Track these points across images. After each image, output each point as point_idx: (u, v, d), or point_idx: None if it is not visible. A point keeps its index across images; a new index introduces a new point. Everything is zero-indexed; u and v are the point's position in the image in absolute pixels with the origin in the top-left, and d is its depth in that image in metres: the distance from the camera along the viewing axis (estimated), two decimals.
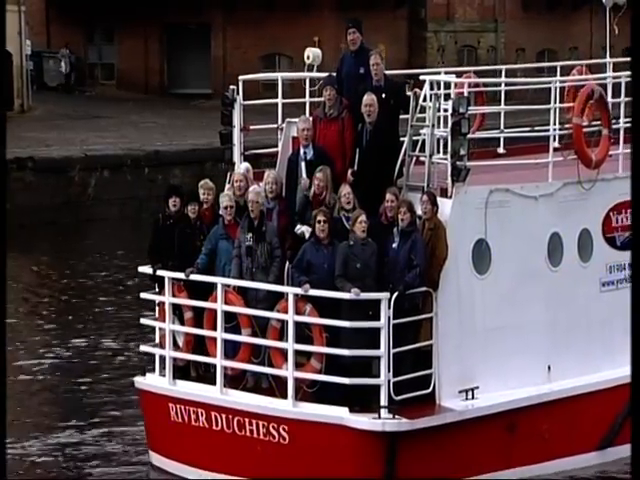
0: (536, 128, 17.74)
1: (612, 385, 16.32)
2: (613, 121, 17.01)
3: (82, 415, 19.01)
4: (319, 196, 15.43)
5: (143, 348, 16.54)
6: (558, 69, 18.49)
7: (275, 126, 16.89)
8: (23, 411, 19.93)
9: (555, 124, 16.87)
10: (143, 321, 16.62)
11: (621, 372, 16.27)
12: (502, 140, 17.76)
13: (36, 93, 49.01)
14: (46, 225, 32.73)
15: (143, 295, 16.42)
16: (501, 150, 17.77)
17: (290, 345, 14.76)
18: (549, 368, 15.91)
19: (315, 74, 17.27)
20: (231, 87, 16.94)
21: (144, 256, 31.13)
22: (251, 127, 16.85)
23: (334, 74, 16.48)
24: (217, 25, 53.47)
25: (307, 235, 15.31)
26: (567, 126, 16.48)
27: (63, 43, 55.56)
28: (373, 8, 51.08)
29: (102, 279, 28.99)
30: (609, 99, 17.16)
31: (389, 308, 14.32)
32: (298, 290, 14.71)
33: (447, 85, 15.64)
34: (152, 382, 16.11)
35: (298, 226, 15.49)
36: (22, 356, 22.92)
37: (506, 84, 17.73)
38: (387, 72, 16.22)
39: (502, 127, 17.75)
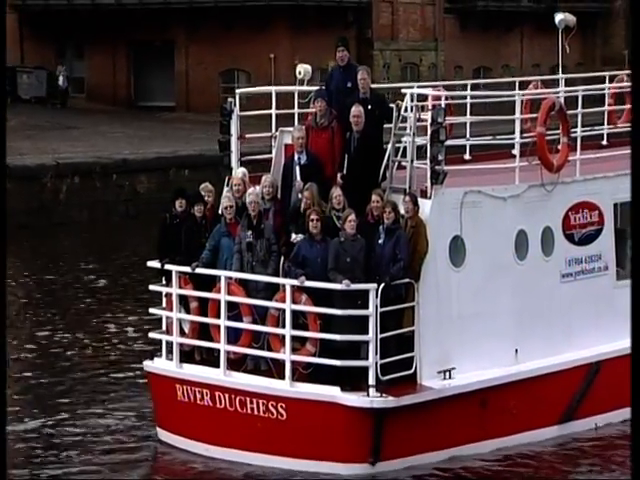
0: (499, 137, 17.66)
1: (571, 366, 16.39)
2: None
3: (95, 399, 18.78)
4: (307, 209, 15.35)
5: (152, 335, 16.35)
6: (517, 84, 18.55)
7: (269, 135, 16.77)
8: (36, 393, 19.63)
9: (518, 133, 16.76)
10: (152, 310, 16.45)
11: (579, 354, 16.60)
12: (468, 147, 17.69)
13: (10, 106, 47.48)
14: (21, 228, 32.25)
15: (152, 287, 16.28)
16: (467, 157, 17.73)
17: (287, 331, 14.70)
18: (516, 351, 15.91)
19: (305, 87, 17.15)
20: (229, 99, 16.86)
21: (112, 254, 30.88)
22: (247, 135, 16.75)
23: (324, 87, 16.41)
24: (180, 43, 53.06)
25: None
26: (531, 134, 16.42)
27: (36, 59, 54.84)
28: (324, 29, 51.02)
29: (73, 277, 28.57)
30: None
31: (376, 298, 14.33)
32: (294, 282, 14.67)
33: (424, 98, 15.58)
34: (160, 365, 16.02)
35: (293, 235, 15.34)
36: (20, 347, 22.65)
37: (474, 97, 17.73)
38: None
39: (468, 135, 17.62)
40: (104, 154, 37.99)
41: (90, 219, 35.15)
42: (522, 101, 17.41)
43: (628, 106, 19.84)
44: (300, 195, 15.55)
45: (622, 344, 16.72)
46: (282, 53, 50.84)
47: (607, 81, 19.77)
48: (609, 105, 19.59)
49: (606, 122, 19.54)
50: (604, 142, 19.26)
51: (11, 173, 33.56)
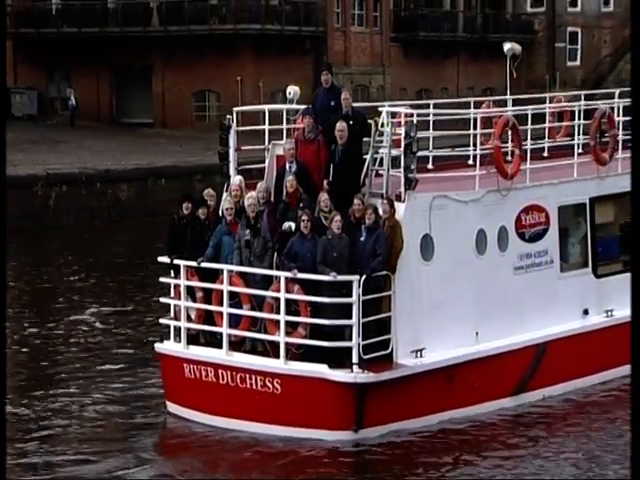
0: (457, 149, 17.85)
1: (523, 346, 16.49)
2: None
3: (106, 374, 18.72)
4: (293, 194, 15.46)
5: (162, 320, 16.26)
6: (472, 104, 18.35)
7: (263, 147, 16.80)
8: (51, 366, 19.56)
9: (477, 146, 16.94)
10: (162, 300, 16.36)
11: (529, 336, 16.66)
12: (431, 158, 17.62)
13: (7, 123, 47.88)
14: (14, 232, 31.86)
15: (162, 279, 16.19)
16: (430, 166, 17.69)
17: (282, 317, 14.72)
18: (477, 333, 16.02)
19: (294, 106, 17.28)
20: (227, 117, 16.81)
21: (96, 254, 29.99)
22: (243, 148, 16.75)
23: (310, 106, 16.40)
24: (157, 67, 52.48)
25: (293, 228, 15.23)
26: (488, 147, 16.51)
27: (28, 81, 54.10)
28: (285, 55, 51.03)
29: (61, 274, 28.30)
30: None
31: (359, 288, 14.40)
32: (288, 274, 14.70)
33: (396, 115, 15.70)
34: (169, 347, 16.01)
35: (286, 224, 15.38)
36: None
37: (438, 115, 17.76)
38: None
39: (431, 147, 17.64)
40: (89, 165, 37.41)
41: (76, 223, 34.58)
42: (478, 118, 17.51)
43: (565, 123, 20.10)
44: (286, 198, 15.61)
45: (565, 327, 17.31)
46: (248, 76, 50.55)
47: (548, 101, 19.78)
48: (549, 122, 19.62)
49: (547, 136, 19.51)
50: (545, 154, 19.24)
51: (6, 183, 33.68)
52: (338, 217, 14.81)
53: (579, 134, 18.39)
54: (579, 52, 62.35)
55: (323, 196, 15.21)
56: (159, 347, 16.28)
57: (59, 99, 55.45)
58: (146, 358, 18.86)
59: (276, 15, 51.02)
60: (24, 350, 20.71)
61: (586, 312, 17.73)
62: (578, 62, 61.75)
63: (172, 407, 16.03)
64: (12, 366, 19.15)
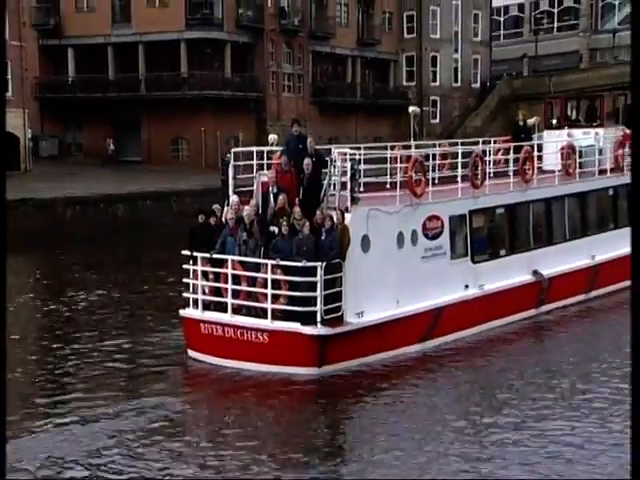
0: (380, 178, 17.77)
1: (427, 309, 16.71)
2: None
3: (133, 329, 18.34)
4: (282, 208, 15.65)
5: (185, 294, 16.02)
6: (388, 147, 18.62)
7: (252, 176, 16.86)
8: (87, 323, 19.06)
9: (392, 175, 17.06)
10: (185, 280, 15.92)
11: (431, 302, 16.76)
12: (362, 183, 17.00)
13: (34, 161, 46.09)
14: (39, 240, 30.98)
15: (185, 266, 15.88)
16: (361, 189, 17.28)
17: (269, 291, 14.88)
18: (397, 301, 16.15)
19: (274, 148, 17.30)
20: (227, 154, 16.79)
21: (102, 254, 28.61)
22: (238, 176, 16.74)
23: (285, 148, 16.47)
24: (144, 120, 51.84)
25: (276, 231, 15.38)
26: (405, 175, 16.64)
27: (51, 131, 53.17)
28: (236, 112, 50.77)
29: (77, 269, 27.70)
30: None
31: (321, 271, 14.60)
32: (273, 262, 14.84)
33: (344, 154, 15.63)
34: (190, 312, 16.00)
35: (272, 228, 15.54)
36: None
37: (370, 154, 17.36)
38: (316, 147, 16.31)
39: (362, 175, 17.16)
40: (95, 191, 36.71)
41: (86, 234, 33.93)
42: (394, 157, 17.61)
43: (448, 160, 20.29)
44: (273, 204, 15.74)
45: (454, 296, 17.37)
46: (209, 127, 50.18)
47: (437, 146, 20.26)
48: (440, 160, 19.82)
49: (436, 169, 19.27)
50: (435, 182, 18.87)
51: (34, 203, 33.02)
52: (307, 223, 15.05)
53: (461, 168, 18.51)
54: (438, 113, 63.25)
55: (296, 209, 15.43)
56: (183, 312, 16.15)
57: (73, 144, 54.61)
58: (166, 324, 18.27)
59: (229, 84, 50.84)
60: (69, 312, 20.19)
61: (467, 286, 17.89)
62: (438, 120, 62.65)
63: (192, 353, 16.01)
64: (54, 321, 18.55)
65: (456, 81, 64.59)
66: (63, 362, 15.92)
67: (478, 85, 65.61)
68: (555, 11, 72.84)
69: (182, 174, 44.97)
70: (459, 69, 64.50)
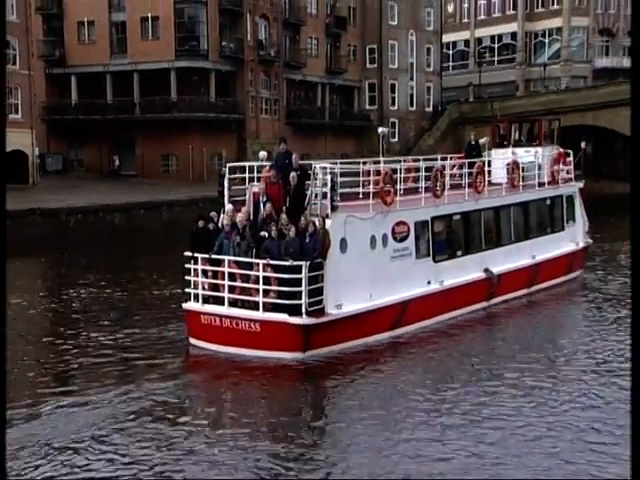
0: (354, 189, 17.43)
1: (395, 302, 16.68)
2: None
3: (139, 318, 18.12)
4: (269, 215, 15.68)
5: (188, 290, 15.78)
6: (361, 163, 18.30)
7: (244, 187, 16.80)
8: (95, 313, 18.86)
9: (365, 186, 16.67)
10: (187, 277, 15.72)
11: (399, 296, 16.71)
12: (340, 194, 16.73)
13: (41, 175, 45.59)
14: (46, 244, 30.72)
15: (187, 265, 15.69)
16: (339, 198, 17.23)
17: (260, 286, 14.86)
18: (370, 295, 16.04)
19: (264, 163, 17.21)
20: (223, 169, 16.70)
21: (102, 256, 28.18)
22: (232, 187, 16.67)
23: (274, 162, 16.44)
24: (138, 139, 51.31)
25: (266, 235, 15.41)
26: (377, 187, 16.55)
27: (56, 148, 52.49)
28: (220, 131, 50.52)
29: (80, 270, 27.25)
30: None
31: (306, 269, 14.61)
32: (264, 261, 14.86)
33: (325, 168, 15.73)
34: (192, 306, 15.88)
35: (262, 233, 15.55)
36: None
37: (346, 168, 17.41)
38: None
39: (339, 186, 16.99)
40: (95, 201, 36.31)
41: (88, 239, 33.72)
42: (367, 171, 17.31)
43: (412, 174, 20.12)
44: (264, 212, 15.77)
45: (418, 291, 17.39)
46: (196, 145, 49.83)
47: (403, 162, 20.07)
48: (408, 173, 19.93)
49: (402, 181, 19.07)
50: (402, 192, 18.74)
51: (41, 212, 32.66)
52: (293, 228, 15.15)
53: (424, 180, 18.65)
54: (397, 133, 63.78)
55: (283, 216, 15.50)
56: (185, 305, 16.06)
57: (76, 160, 53.92)
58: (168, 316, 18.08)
59: (213, 108, 50.56)
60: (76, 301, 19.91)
61: (429, 282, 17.91)
62: (396, 139, 63.12)
63: (193, 341, 15.92)
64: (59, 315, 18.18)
65: (412, 105, 65.36)
66: (66, 352, 15.59)
67: (431, 109, 66.40)
68: (495, 46, 74.52)
69: (172, 187, 44.80)
70: (414, 95, 65.27)
